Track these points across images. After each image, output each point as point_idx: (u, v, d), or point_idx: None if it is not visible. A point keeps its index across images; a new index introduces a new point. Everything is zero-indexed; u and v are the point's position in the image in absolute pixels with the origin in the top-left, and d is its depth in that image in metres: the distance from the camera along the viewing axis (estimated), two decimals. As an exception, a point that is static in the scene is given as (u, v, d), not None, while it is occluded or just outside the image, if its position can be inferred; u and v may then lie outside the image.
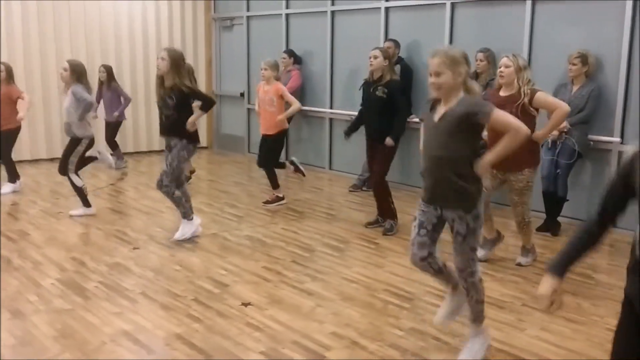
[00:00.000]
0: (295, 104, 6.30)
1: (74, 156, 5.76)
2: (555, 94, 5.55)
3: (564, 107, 4.29)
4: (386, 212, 5.54)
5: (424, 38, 7.01)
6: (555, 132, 5.35)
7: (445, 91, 2.85)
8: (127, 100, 8.15)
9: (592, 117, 5.41)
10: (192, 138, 5.06)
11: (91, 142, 5.83)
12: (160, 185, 5.06)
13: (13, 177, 6.88)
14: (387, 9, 7.32)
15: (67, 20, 8.73)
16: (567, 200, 5.51)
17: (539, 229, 5.54)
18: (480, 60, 6.01)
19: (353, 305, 3.88)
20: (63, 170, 5.82)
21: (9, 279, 4.25)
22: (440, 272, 3.11)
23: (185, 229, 5.15)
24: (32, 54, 8.49)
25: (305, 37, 8.40)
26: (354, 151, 7.73)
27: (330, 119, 8.19)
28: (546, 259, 4.84)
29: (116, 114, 8.02)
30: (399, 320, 3.64)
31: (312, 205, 6.46)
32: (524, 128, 2.88)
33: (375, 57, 5.38)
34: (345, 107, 7.82)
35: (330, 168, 8.28)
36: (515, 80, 4.29)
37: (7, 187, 6.81)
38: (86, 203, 5.93)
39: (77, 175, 5.81)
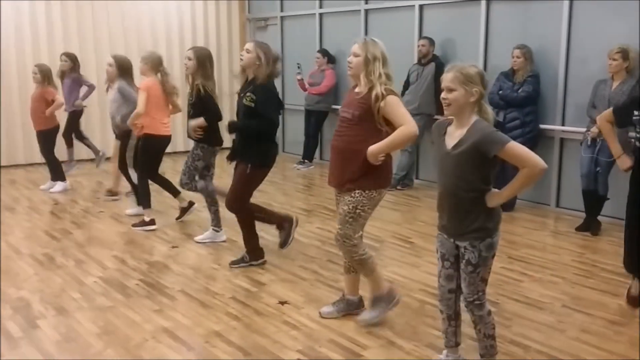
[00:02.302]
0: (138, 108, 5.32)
1: (129, 150, 5.89)
2: (595, 90, 5.46)
3: (412, 126, 3.27)
4: (247, 244, 4.59)
5: (459, 35, 6.95)
6: (595, 130, 5.24)
7: (455, 109, 2.71)
8: (91, 87, 7.64)
9: (633, 114, 5.29)
10: (206, 139, 5.01)
11: None
12: (181, 184, 5.17)
13: (60, 175, 7.04)
14: (421, 7, 7.28)
15: (105, 20, 8.96)
16: (608, 199, 5.40)
17: (579, 229, 5.45)
18: (517, 57, 5.92)
19: (389, 305, 3.88)
20: (128, 166, 5.96)
21: (53, 277, 4.38)
22: (457, 317, 3.00)
23: (207, 234, 5.20)
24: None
25: (338, 37, 8.41)
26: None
27: (365, 118, 8.17)
28: (586, 259, 4.76)
29: (78, 101, 7.53)
30: (435, 321, 3.61)
31: (347, 204, 6.46)
32: (541, 163, 2.63)
33: (248, 51, 4.30)
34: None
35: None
36: (363, 75, 3.31)
37: (59, 186, 7.01)
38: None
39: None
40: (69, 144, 7.77)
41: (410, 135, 3.30)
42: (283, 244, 4.67)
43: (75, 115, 7.67)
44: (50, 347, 3.33)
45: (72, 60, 7.53)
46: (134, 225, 5.59)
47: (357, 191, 3.36)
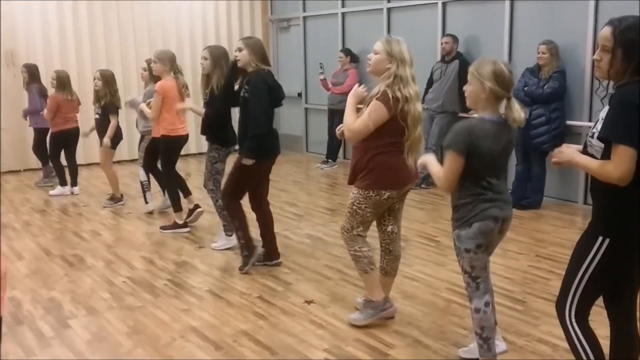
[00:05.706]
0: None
1: (140, 150, 6.13)
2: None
3: (354, 126, 3.29)
4: (239, 241, 4.53)
5: (483, 32, 6.89)
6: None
7: (470, 102, 2.83)
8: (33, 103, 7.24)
9: None
10: (218, 140, 4.89)
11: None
12: (206, 187, 5.02)
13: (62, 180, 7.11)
14: (444, 4, 7.25)
15: (130, 22, 9.10)
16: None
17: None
18: (543, 53, 5.86)
19: (415, 304, 3.88)
20: (139, 165, 6.16)
21: (83, 277, 4.46)
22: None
23: (222, 242, 5.05)
24: (98, 54, 8.87)
25: (361, 36, 8.41)
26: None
27: (388, 117, 8.16)
28: None
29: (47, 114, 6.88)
30: (462, 320, 3.61)
31: (372, 204, 6.46)
32: (439, 184, 2.87)
33: (240, 50, 4.32)
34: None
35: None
36: (380, 74, 3.30)
37: (57, 190, 7.11)
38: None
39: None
40: (47, 161, 7.36)
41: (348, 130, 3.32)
42: (241, 267, 4.52)
43: (41, 133, 7.25)
44: (81, 347, 3.39)
45: (29, 71, 7.30)
46: (163, 227, 5.60)
47: (355, 189, 3.40)
